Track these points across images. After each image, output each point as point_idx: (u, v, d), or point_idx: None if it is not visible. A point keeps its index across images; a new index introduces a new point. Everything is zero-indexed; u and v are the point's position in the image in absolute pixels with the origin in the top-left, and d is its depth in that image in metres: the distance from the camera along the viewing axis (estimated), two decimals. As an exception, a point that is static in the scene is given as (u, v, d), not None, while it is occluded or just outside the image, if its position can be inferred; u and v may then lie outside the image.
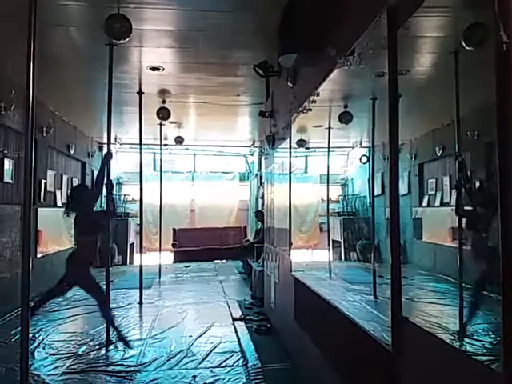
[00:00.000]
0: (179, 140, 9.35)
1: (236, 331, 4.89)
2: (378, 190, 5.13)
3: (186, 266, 9.96)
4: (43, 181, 7.14)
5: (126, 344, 4.34)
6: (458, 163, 2.37)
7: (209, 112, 7.60)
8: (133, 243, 10.95)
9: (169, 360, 4.01)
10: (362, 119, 4.77)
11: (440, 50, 2.44)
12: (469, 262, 2.21)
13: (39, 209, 6.81)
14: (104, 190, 4.45)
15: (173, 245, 11.09)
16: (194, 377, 3.64)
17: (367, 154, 6.14)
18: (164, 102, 6.76)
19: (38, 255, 6.71)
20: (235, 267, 9.69)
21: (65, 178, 8.38)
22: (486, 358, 1.47)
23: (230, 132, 10.15)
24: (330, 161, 6.09)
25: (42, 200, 7.04)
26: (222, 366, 3.87)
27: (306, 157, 9.99)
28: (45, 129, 6.91)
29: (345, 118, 4.44)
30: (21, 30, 2.45)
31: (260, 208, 9.55)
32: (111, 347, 4.37)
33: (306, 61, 3.11)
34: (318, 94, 3.19)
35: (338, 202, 9.69)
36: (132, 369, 3.81)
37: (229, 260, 10.67)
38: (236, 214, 12.75)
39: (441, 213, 3.84)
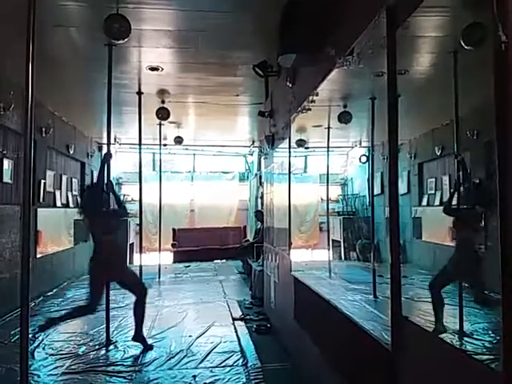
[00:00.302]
0: (178, 140, 9.34)
1: (236, 331, 4.90)
2: (377, 190, 5.12)
3: (186, 266, 9.95)
4: (42, 181, 7.13)
5: (147, 345, 4.29)
6: (457, 162, 2.37)
7: (208, 112, 7.60)
8: (132, 243, 10.93)
9: (169, 360, 4.01)
10: (361, 119, 4.77)
11: (439, 49, 2.43)
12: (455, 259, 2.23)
13: (39, 209, 6.81)
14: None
15: (172, 245, 11.09)
16: (194, 377, 3.64)
17: (367, 154, 6.14)
18: (163, 102, 6.76)
19: (38, 255, 6.71)
20: (235, 267, 9.69)
21: (64, 178, 8.37)
22: (485, 357, 1.47)
23: (229, 132, 10.14)
24: (329, 160, 6.08)
25: (41, 200, 7.04)
26: (222, 366, 3.87)
27: (306, 156, 9.98)
28: (44, 129, 6.90)
29: (344, 117, 4.44)
30: (20, 30, 2.45)
31: (259, 208, 9.54)
32: (111, 347, 4.36)
33: (305, 61, 3.11)
34: (317, 94, 3.19)
35: (337, 201, 9.70)
36: (132, 369, 3.81)
37: (228, 260, 10.67)
38: (236, 213, 12.74)
39: (440, 212, 3.83)
